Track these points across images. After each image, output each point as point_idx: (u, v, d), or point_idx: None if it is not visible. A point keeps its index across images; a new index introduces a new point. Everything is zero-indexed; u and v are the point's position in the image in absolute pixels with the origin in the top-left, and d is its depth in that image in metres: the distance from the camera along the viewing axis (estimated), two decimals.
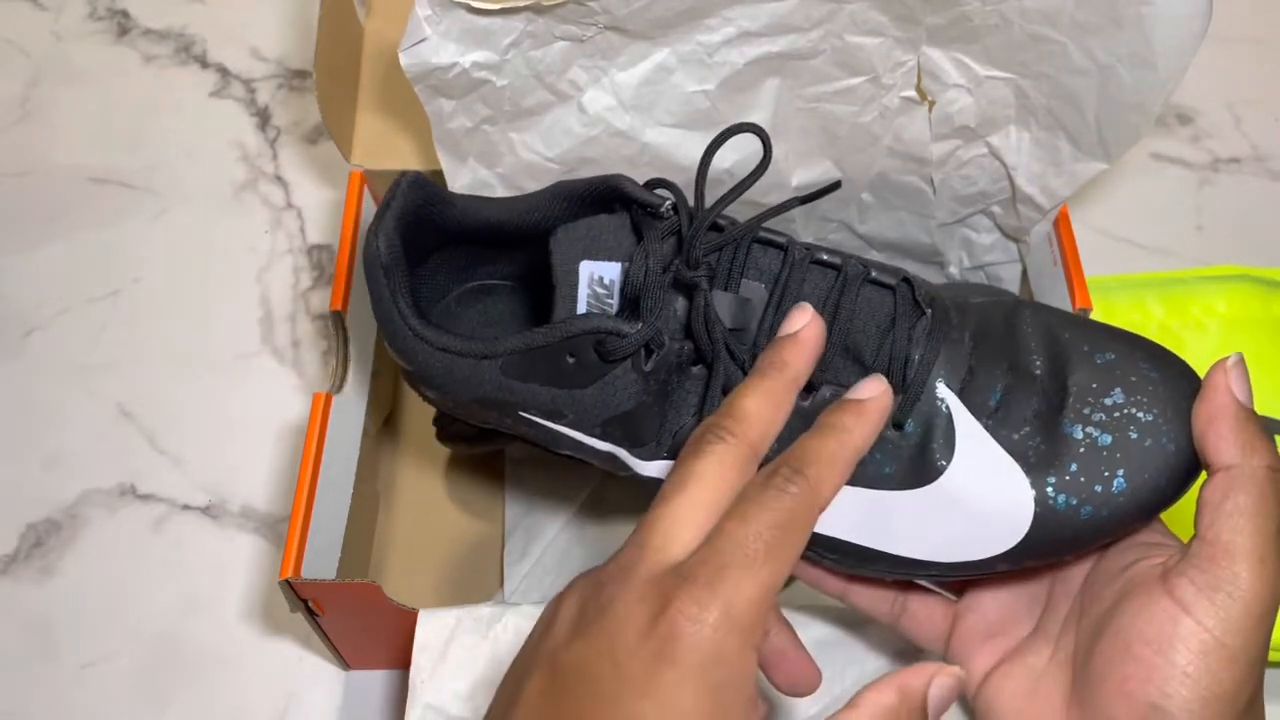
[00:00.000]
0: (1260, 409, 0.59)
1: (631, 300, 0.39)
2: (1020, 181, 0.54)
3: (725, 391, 0.38)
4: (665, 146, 0.52)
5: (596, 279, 0.41)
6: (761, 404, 0.35)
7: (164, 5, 0.80)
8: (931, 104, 0.52)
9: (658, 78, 0.50)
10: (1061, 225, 0.54)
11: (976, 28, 0.49)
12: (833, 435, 0.35)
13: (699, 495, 0.32)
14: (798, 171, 0.54)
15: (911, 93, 0.52)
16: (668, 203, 0.40)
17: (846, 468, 0.34)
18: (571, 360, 0.39)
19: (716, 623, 0.30)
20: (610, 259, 0.41)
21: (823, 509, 0.33)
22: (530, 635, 0.34)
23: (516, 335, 0.40)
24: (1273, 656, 0.54)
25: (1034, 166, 0.53)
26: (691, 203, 0.40)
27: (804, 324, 0.37)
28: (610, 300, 0.41)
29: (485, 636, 0.45)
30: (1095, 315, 0.52)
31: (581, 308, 0.41)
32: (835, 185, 0.42)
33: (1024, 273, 0.59)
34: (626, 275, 0.40)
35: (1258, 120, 0.74)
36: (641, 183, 0.42)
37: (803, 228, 0.59)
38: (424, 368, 0.42)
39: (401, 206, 0.42)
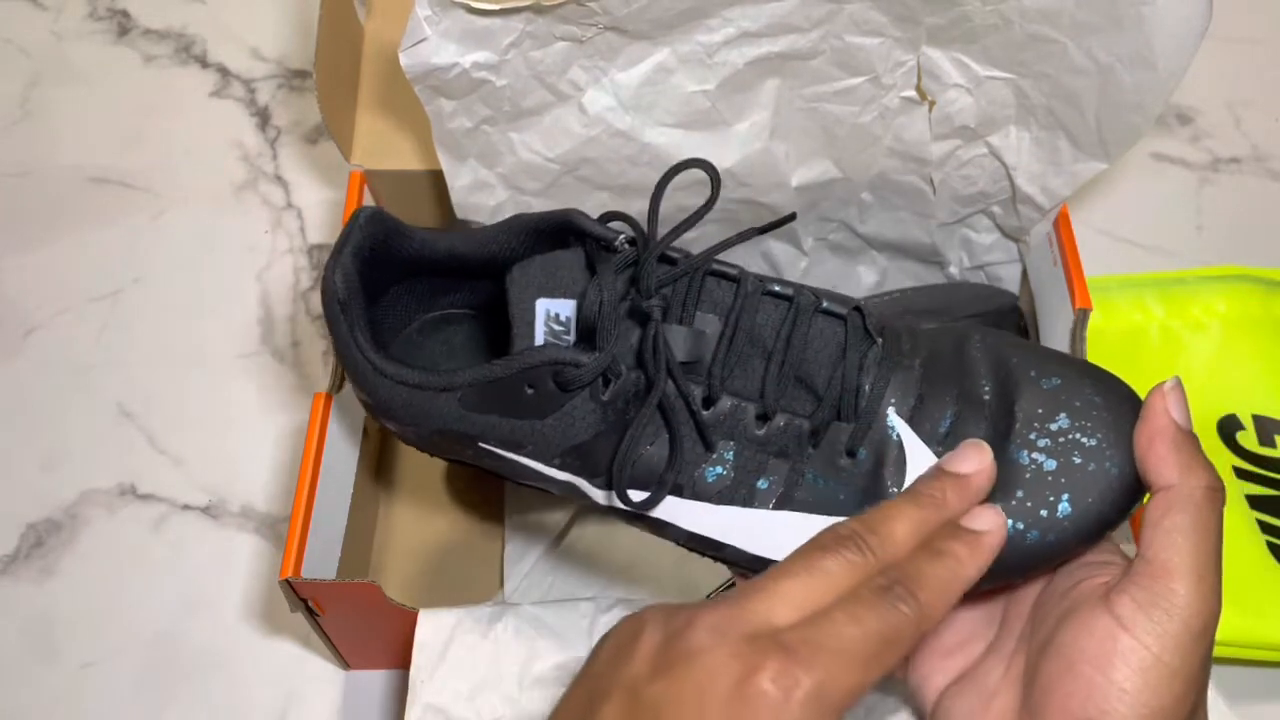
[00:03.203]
0: (1261, 409, 0.60)
1: (588, 331, 0.39)
2: (1020, 181, 0.54)
3: (662, 410, 0.38)
4: (665, 147, 0.52)
5: (553, 316, 0.41)
6: (908, 534, 0.35)
7: (164, 5, 0.80)
8: (931, 104, 0.52)
9: (658, 78, 0.50)
10: (1061, 225, 0.54)
11: (976, 28, 0.49)
12: (947, 565, 0.35)
13: (814, 587, 0.33)
14: (798, 171, 0.54)
15: (911, 93, 0.52)
16: (621, 236, 0.41)
17: (956, 597, 0.34)
18: (530, 391, 0.39)
19: (805, 699, 0.30)
20: (566, 295, 0.41)
21: (926, 634, 0.33)
22: (596, 655, 0.33)
23: (474, 368, 0.40)
24: (1272, 657, 0.54)
25: (1034, 166, 0.53)
26: (647, 232, 0.40)
27: (976, 469, 0.37)
28: (567, 336, 0.41)
29: (485, 636, 0.45)
30: (1095, 315, 0.52)
31: (539, 344, 0.41)
32: (791, 217, 0.43)
33: (1024, 273, 0.59)
34: (581, 307, 0.40)
35: (1258, 120, 0.74)
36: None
37: (803, 228, 0.59)
38: (384, 401, 0.42)
39: (358, 242, 0.42)
